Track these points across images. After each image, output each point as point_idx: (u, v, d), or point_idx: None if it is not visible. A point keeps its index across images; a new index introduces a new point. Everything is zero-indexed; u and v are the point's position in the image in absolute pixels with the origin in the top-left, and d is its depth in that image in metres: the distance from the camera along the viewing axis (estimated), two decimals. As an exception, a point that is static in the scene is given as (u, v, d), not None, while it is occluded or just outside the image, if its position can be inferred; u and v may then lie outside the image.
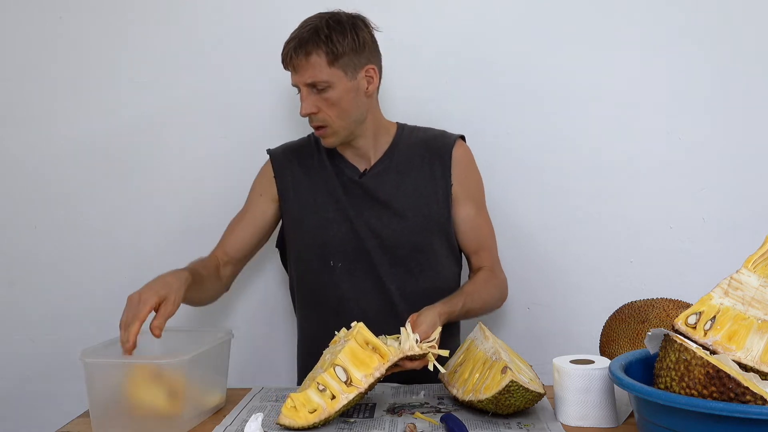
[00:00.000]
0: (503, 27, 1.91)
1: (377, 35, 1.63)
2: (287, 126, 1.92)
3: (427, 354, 1.33)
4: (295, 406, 1.24)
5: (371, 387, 1.28)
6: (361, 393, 1.26)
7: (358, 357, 1.29)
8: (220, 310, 1.94)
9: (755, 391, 0.92)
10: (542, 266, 1.92)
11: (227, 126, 1.94)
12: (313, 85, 1.55)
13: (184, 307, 1.91)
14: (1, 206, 1.96)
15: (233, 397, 1.45)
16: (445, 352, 1.36)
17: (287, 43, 1.57)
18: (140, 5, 1.93)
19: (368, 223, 1.65)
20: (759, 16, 1.88)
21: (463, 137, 1.73)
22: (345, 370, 1.27)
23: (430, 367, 1.33)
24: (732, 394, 0.93)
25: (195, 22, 1.93)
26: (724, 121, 1.89)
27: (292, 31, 1.57)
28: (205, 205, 1.95)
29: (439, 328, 1.41)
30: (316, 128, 1.60)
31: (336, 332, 1.41)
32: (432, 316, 1.42)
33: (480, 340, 1.40)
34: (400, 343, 1.32)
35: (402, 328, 1.36)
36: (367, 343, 1.30)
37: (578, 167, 1.91)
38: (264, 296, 1.95)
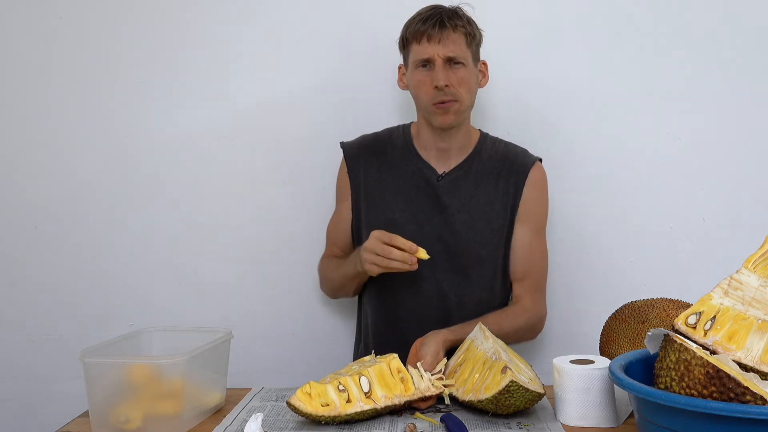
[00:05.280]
0: (501, 27, 1.90)
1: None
2: (311, 126, 1.92)
3: (442, 391, 1.34)
4: (310, 393, 1.25)
5: (385, 409, 1.29)
6: (375, 409, 1.27)
7: (384, 378, 1.31)
8: (220, 309, 1.94)
9: (755, 391, 0.92)
10: (542, 266, 1.92)
11: (228, 126, 1.94)
12: (450, 60, 1.58)
13: (183, 307, 1.93)
14: (1, 206, 1.96)
15: (233, 397, 1.44)
16: (452, 382, 1.35)
17: (425, 18, 1.59)
18: (141, 5, 1.92)
19: (436, 227, 1.64)
20: (760, 16, 1.88)
21: (540, 159, 1.74)
22: (369, 383, 1.28)
23: (447, 402, 1.34)
24: (732, 394, 0.93)
25: (197, 21, 1.93)
26: (724, 121, 1.89)
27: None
28: (204, 205, 1.95)
29: (445, 359, 1.41)
30: (443, 102, 1.60)
31: (374, 354, 1.43)
32: (435, 346, 1.42)
33: (480, 340, 1.40)
34: (414, 383, 1.33)
35: (412, 369, 1.36)
36: (399, 372, 1.33)
37: (578, 167, 1.91)
38: (264, 296, 1.95)
